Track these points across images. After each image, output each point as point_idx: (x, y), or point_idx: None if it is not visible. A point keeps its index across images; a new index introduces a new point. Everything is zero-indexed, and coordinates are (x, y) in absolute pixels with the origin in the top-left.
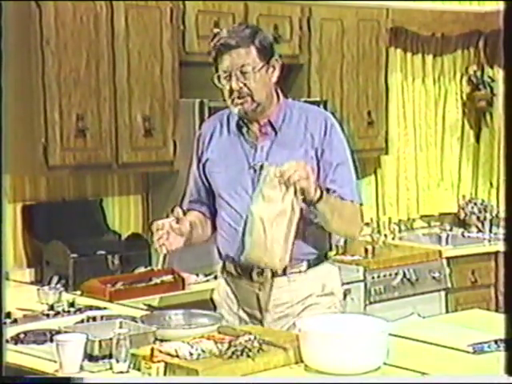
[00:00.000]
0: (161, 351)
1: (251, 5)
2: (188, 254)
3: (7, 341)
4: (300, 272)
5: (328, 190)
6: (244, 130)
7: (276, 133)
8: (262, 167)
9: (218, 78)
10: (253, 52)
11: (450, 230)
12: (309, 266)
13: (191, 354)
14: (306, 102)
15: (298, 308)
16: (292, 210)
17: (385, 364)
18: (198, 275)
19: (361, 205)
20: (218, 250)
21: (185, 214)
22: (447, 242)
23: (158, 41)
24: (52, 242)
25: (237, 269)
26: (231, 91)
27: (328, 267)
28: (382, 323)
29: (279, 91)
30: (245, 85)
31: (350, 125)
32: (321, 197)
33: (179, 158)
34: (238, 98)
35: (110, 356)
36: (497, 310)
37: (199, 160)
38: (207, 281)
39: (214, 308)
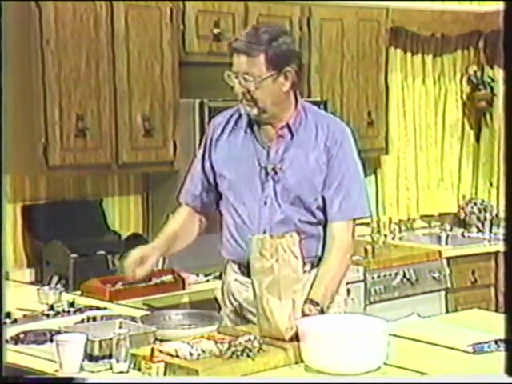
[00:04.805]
0: (161, 351)
1: (251, 5)
2: (188, 253)
3: (7, 341)
4: (304, 272)
5: (328, 201)
6: (256, 129)
7: (292, 136)
8: (274, 170)
9: (229, 76)
10: (261, 61)
11: (450, 230)
12: (312, 266)
13: (191, 354)
14: (305, 102)
15: None
16: (283, 276)
17: (385, 364)
18: (198, 275)
19: (368, 217)
20: (223, 251)
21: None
22: (447, 242)
23: (158, 41)
24: (52, 242)
25: (241, 268)
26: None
27: None
28: (382, 323)
29: (298, 95)
30: (248, 91)
31: (350, 125)
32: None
33: (179, 158)
34: (244, 100)
35: (110, 356)
36: (497, 310)
37: (206, 158)
38: (207, 281)
39: (218, 307)
